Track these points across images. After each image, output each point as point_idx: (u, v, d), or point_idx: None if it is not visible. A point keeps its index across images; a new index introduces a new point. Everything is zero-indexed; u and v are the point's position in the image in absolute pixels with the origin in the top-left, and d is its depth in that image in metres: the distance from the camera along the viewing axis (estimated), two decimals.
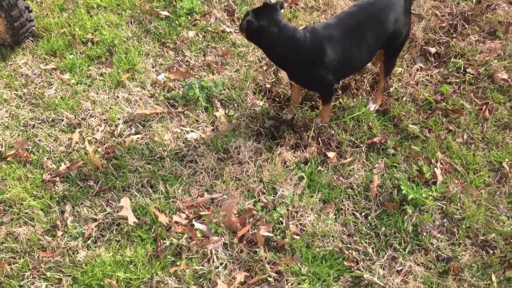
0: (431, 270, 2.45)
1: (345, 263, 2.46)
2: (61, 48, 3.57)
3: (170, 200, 2.71)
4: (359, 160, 2.87)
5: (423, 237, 2.55)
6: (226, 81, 3.26)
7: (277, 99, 3.19)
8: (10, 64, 3.50)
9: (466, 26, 3.56)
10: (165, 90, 3.27)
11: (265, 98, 3.19)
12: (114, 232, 2.62)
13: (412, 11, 3.02)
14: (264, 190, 2.74)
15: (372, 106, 3.07)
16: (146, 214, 2.65)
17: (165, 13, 3.74)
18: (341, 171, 2.82)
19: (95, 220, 2.67)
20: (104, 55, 3.53)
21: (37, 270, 2.50)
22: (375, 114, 3.05)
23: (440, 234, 2.57)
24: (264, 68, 3.37)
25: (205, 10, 3.78)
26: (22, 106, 3.24)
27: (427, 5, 3.69)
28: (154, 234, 2.58)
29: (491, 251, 2.52)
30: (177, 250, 2.54)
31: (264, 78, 3.28)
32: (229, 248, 2.53)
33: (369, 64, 3.20)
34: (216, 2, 3.82)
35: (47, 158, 2.95)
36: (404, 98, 3.14)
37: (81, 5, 3.87)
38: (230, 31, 3.61)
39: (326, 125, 3.00)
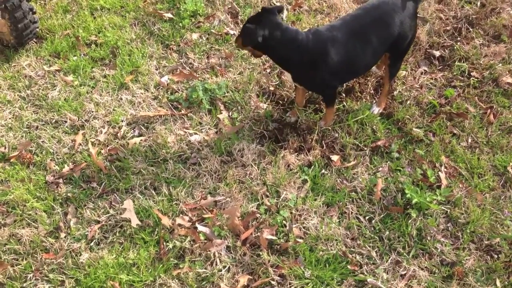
0: (435, 275, 2.44)
1: (349, 266, 2.45)
2: (64, 50, 3.57)
3: (173, 203, 2.71)
4: (363, 163, 2.86)
5: (427, 241, 2.53)
6: (229, 84, 3.25)
7: (280, 101, 3.19)
8: (14, 66, 3.50)
9: (471, 29, 3.55)
10: (169, 92, 3.27)
11: (269, 100, 3.19)
12: (117, 234, 2.61)
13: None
14: (268, 193, 2.73)
15: (376, 109, 3.06)
16: (149, 216, 2.65)
17: (169, 15, 3.74)
18: (345, 175, 2.81)
19: (98, 222, 2.66)
20: (107, 57, 3.53)
21: (40, 272, 2.49)
22: (379, 118, 3.04)
23: (444, 238, 2.56)
24: (268, 70, 3.36)
25: (209, 13, 3.78)
26: (26, 108, 3.24)
27: (431, 8, 3.68)
28: (157, 237, 2.58)
29: (496, 256, 2.51)
30: (180, 253, 2.53)
31: (267, 81, 3.27)
32: (232, 251, 2.52)
33: (374, 67, 3.20)
34: (219, 5, 3.82)
35: (50, 160, 2.94)
36: (408, 102, 3.13)
37: (85, 7, 3.87)
38: (234, 34, 3.61)
39: (330, 128, 2.99)
